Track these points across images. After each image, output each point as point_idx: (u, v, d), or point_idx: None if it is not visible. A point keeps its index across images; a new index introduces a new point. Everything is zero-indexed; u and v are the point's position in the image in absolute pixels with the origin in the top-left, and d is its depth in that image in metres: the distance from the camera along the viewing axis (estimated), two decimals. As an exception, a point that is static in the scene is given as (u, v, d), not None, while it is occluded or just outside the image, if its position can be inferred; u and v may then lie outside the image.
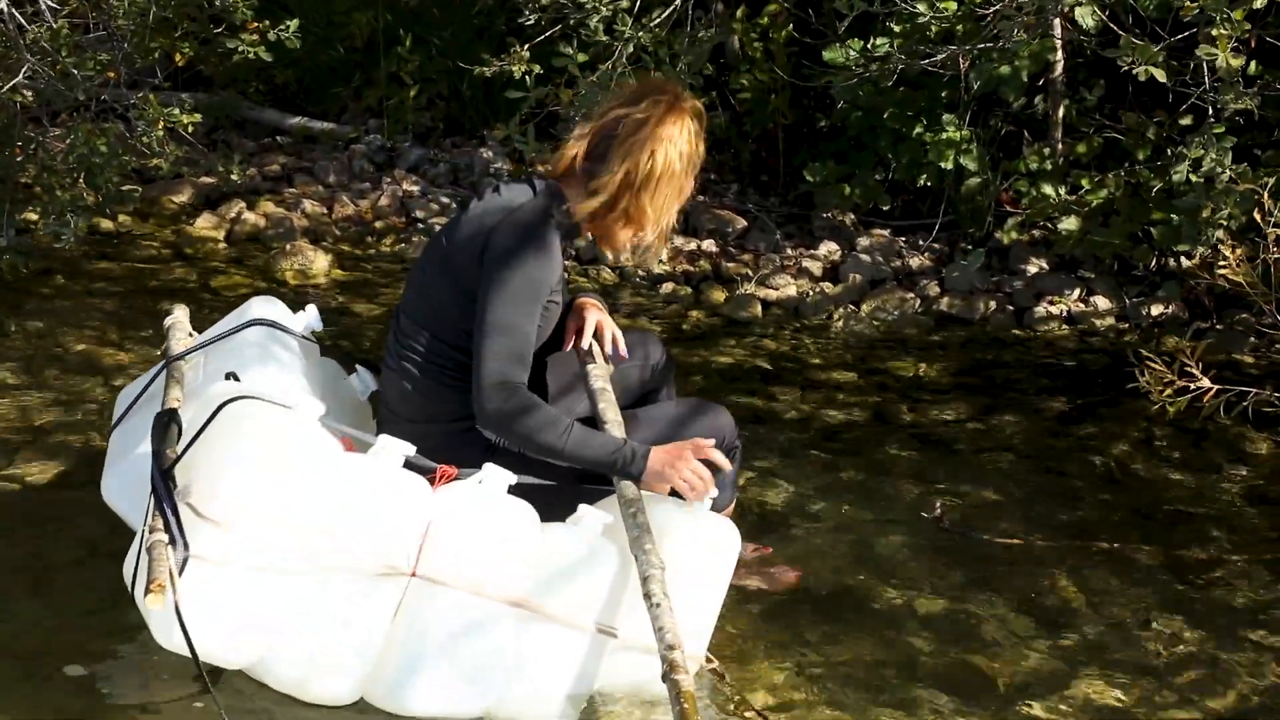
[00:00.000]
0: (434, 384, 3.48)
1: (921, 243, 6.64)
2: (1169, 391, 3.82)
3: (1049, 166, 6.23)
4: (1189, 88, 5.07)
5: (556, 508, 3.36)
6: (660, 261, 6.58)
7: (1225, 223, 4.79)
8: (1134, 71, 4.50)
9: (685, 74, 5.52)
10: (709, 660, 3.41)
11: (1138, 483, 4.76)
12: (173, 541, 2.95)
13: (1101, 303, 6.16)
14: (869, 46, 6.03)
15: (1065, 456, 4.94)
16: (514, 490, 3.24)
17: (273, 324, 3.70)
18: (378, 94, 7.95)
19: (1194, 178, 4.99)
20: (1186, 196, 5.04)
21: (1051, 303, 6.19)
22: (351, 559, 3.08)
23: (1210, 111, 5.04)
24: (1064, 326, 6.11)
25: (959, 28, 5.76)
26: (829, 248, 6.67)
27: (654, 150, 3.39)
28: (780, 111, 7.12)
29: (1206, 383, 3.84)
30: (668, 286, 6.42)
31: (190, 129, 6.16)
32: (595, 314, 3.80)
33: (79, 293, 6.04)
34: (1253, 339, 5.78)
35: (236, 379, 3.36)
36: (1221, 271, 3.81)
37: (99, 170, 5.95)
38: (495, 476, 3.22)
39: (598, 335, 3.76)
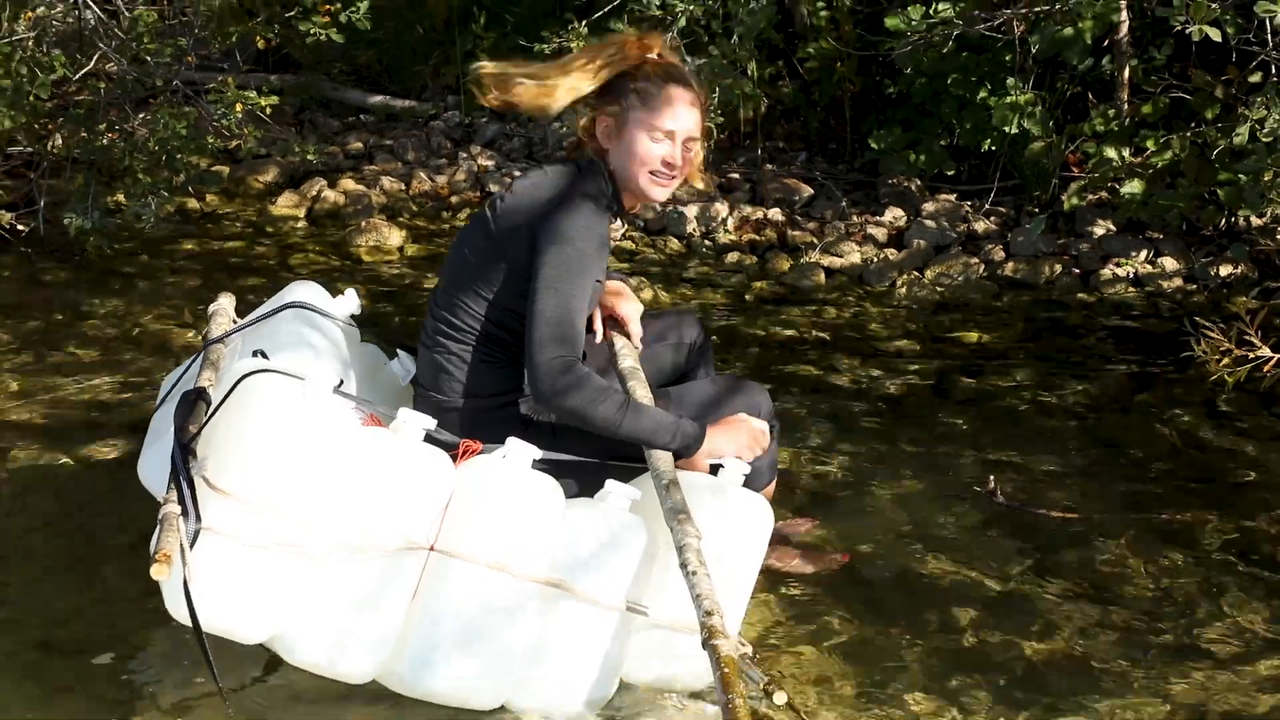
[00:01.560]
0: (474, 361, 3.27)
1: (987, 207, 6.31)
2: (1227, 361, 3.49)
3: (1115, 128, 5.86)
4: (1255, 46, 4.70)
5: (583, 483, 3.16)
6: (726, 231, 6.31)
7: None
8: (1188, 31, 4.14)
9: (738, 46, 5.24)
10: (742, 643, 3.16)
11: (1202, 451, 4.41)
12: (185, 513, 2.77)
13: (1169, 264, 5.80)
14: (930, 12, 5.71)
15: (1128, 424, 4.61)
16: (539, 465, 3.02)
17: (310, 308, 3.50)
18: (455, 71, 7.76)
19: (1260, 138, 4.62)
20: (1249, 159, 4.67)
21: (1118, 265, 5.84)
22: (368, 532, 2.86)
23: (1274, 70, 4.68)
24: (1130, 289, 5.76)
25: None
26: (894, 214, 6.36)
27: (596, 57, 3.24)
28: (847, 80, 6.83)
29: (1267, 351, 3.51)
30: (733, 256, 6.15)
31: (268, 111, 6.00)
32: (617, 299, 3.58)
33: (161, 272, 5.90)
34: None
35: (265, 356, 3.17)
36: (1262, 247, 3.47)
37: (178, 153, 5.82)
38: (519, 451, 2.99)
39: (617, 323, 3.54)
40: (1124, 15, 5.69)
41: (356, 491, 2.86)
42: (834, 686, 3.23)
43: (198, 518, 2.77)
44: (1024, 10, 5.16)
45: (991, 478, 4.08)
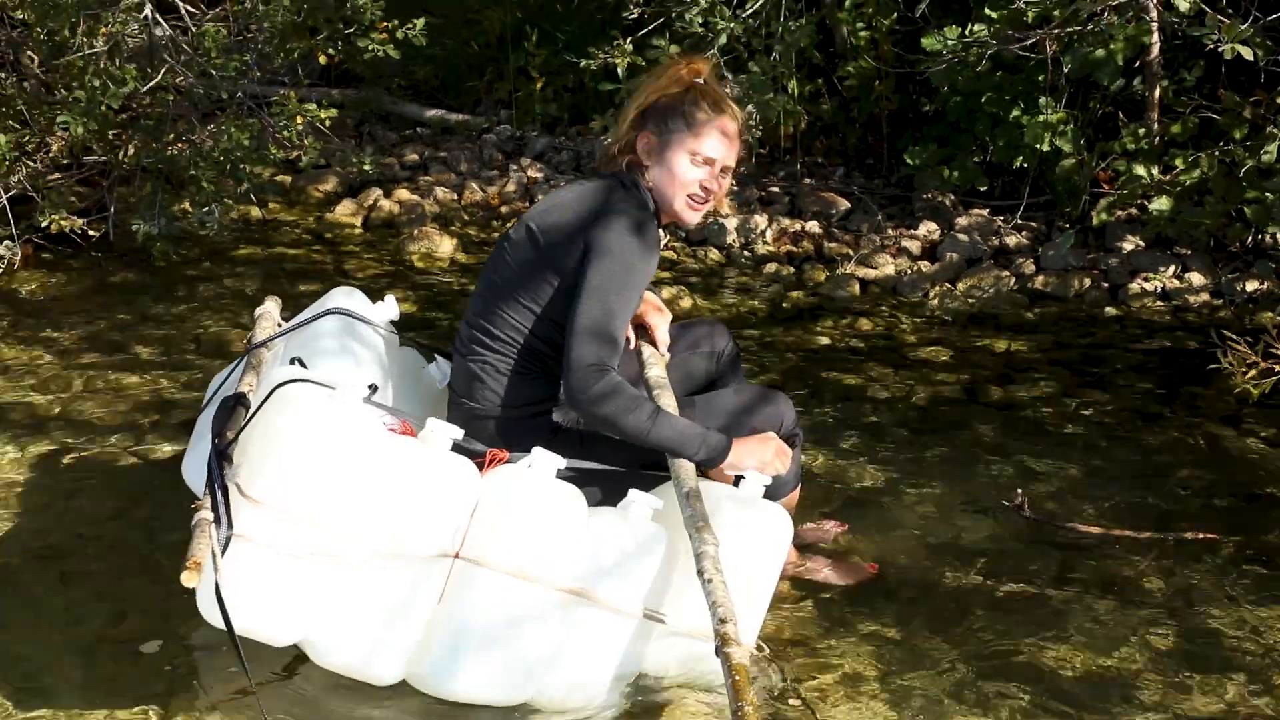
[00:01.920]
0: (510, 372, 3.17)
1: (1019, 222, 6.16)
2: (1253, 374, 3.35)
3: (1145, 147, 5.70)
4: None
5: (608, 492, 3.07)
6: (764, 242, 6.19)
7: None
8: (1220, 50, 4.00)
9: (777, 63, 5.12)
10: (759, 649, 3.05)
11: (1228, 465, 4.25)
12: (217, 520, 2.70)
13: (1196, 279, 5.63)
14: (965, 33, 5.58)
15: (1155, 437, 4.45)
16: (563, 475, 2.92)
17: (350, 314, 3.41)
18: (507, 87, 7.69)
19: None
20: (1276, 178, 4.51)
21: (1146, 279, 5.68)
22: (395, 539, 2.78)
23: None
24: (1158, 303, 5.60)
25: (1056, 12, 5.29)
26: (928, 227, 6.22)
27: (647, 93, 3.20)
28: (885, 98, 6.69)
29: (1293, 367, 3.36)
30: (771, 266, 6.03)
31: (327, 123, 5.93)
32: (646, 309, 3.49)
33: (222, 276, 5.84)
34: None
35: (303, 364, 3.09)
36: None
37: (241, 163, 5.76)
38: (544, 461, 2.90)
39: (645, 331, 3.46)
40: (1155, 37, 5.53)
41: (384, 500, 2.78)
42: (858, 694, 3.11)
43: (229, 524, 2.69)
44: (1056, 31, 5.01)
45: (1019, 491, 3.94)
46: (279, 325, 3.53)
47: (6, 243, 5.18)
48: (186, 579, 2.59)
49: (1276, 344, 3.33)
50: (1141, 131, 5.70)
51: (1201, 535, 3.78)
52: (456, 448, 2.90)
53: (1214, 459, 4.29)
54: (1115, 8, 4.70)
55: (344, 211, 6.69)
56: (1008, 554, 3.71)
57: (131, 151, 6.09)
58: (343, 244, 6.34)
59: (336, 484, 2.74)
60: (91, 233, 5.81)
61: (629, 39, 5.33)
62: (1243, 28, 4.05)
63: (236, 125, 5.79)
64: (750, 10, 5.13)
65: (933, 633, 3.35)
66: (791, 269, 6.03)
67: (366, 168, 6.12)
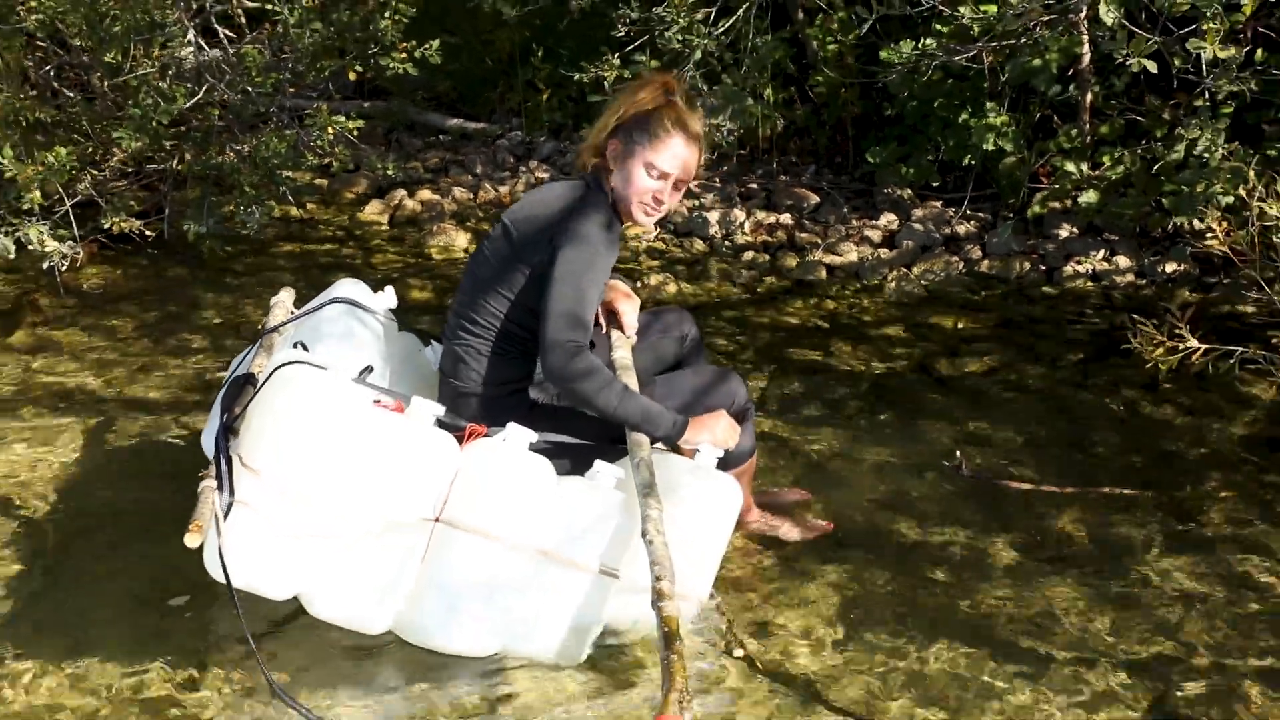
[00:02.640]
0: (490, 353, 3.18)
1: (969, 213, 6.14)
2: (1160, 351, 3.34)
3: (1077, 145, 5.68)
4: (1192, 75, 4.52)
5: (576, 464, 3.08)
6: (743, 233, 6.18)
7: (1220, 195, 4.22)
8: (1128, 64, 3.97)
9: (748, 74, 5.10)
10: (711, 598, 3.06)
11: (1146, 429, 4.25)
12: (221, 488, 2.72)
13: (1122, 262, 5.61)
14: (918, 46, 5.54)
15: (1082, 403, 4.45)
16: (535, 448, 2.94)
17: (352, 302, 3.43)
18: (518, 98, 7.66)
19: (1194, 156, 4.42)
20: (1184, 174, 4.48)
21: (1078, 263, 5.65)
22: (380, 505, 2.80)
23: (1207, 96, 4.48)
24: (1089, 283, 5.58)
25: (998, 26, 5.25)
26: (888, 218, 6.20)
27: (624, 105, 3.16)
28: (850, 103, 6.66)
29: (1194, 343, 3.36)
30: (748, 254, 6.02)
31: (355, 133, 5.92)
32: (616, 295, 3.50)
33: (263, 270, 5.84)
34: (1254, 292, 5.14)
35: (305, 348, 3.10)
36: (1209, 241, 3.31)
37: (279, 169, 5.77)
38: (517, 435, 2.91)
39: (616, 318, 3.45)
40: (1086, 49, 5.50)
41: (370, 469, 2.78)
42: (806, 636, 3.13)
43: (231, 491, 2.70)
44: (994, 45, 4.98)
45: (959, 453, 3.95)
46: (291, 313, 3.54)
47: (69, 243, 5.18)
48: (189, 540, 2.63)
49: (1180, 324, 3.31)
50: (1074, 132, 5.67)
51: (1120, 491, 3.79)
52: (440, 423, 2.91)
53: (1133, 423, 4.29)
54: (1047, 23, 4.66)
55: (372, 210, 6.68)
56: (948, 510, 3.73)
57: (184, 160, 6.10)
58: (370, 239, 6.34)
59: (326, 455, 2.76)
60: (149, 233, 5.81)
61: (616, 55, 5.30)
62: (1150, 41, 4.02)
63: (275, 136, 5.80)
64: (723, 29, 5.09)
65: (878, 584, 3.36)
66: (767, 257, 6.02)
67: (390, 171, 6.12)
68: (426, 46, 5.81)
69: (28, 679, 2.90)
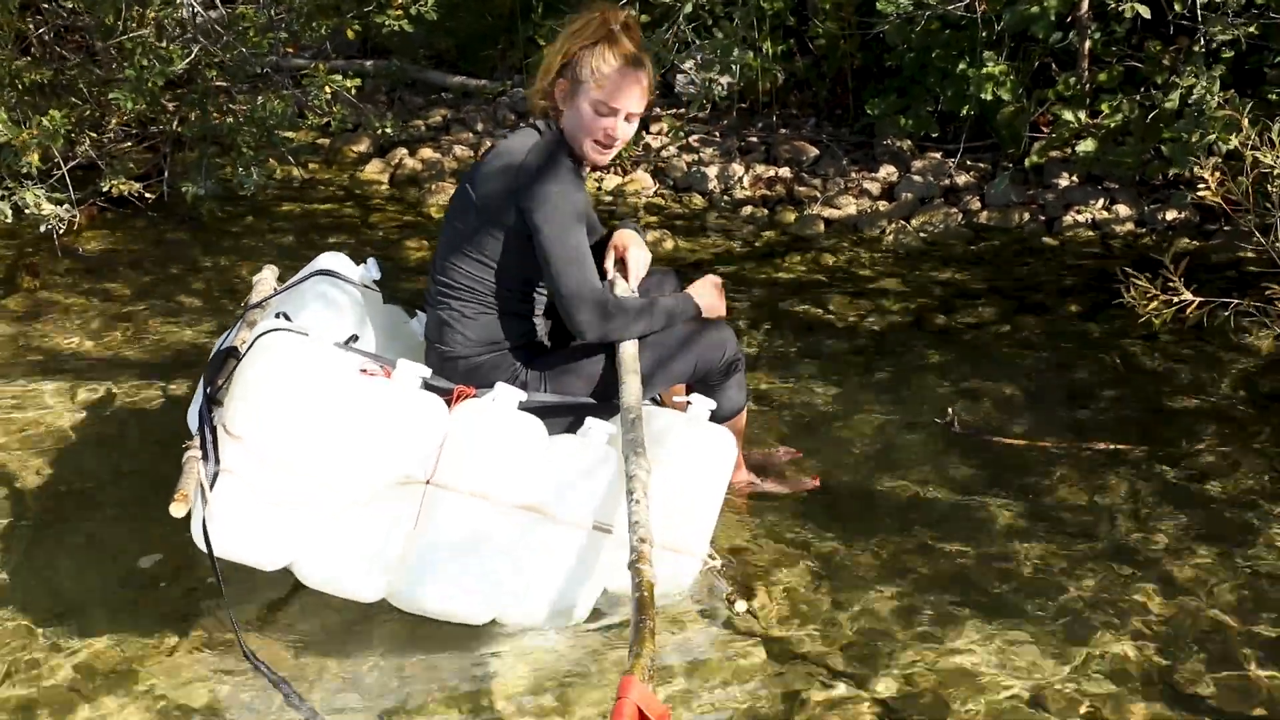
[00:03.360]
0: (471, 315, 3.06)
1: (968, 164, 5.97)
2: (1153, 305, 3.20)
3: (1076, 93, 5.50)
4: (1187, 21, 4.33)
5: (568, 422, 2.98)
6: (742, 188, 6.03)
7: (1219, 144, 4.04)
8: (1120, 9, 3.80)
9: (738, 28, 4.93)
10: (712, 557, 2.96)
11: (1141, 379, 4.11)
12: (205, 457, 2.62)
13: (1123, 210, 5.44)
14: (915, -5, 5.37)
15: (1078, 356, 4.31)
16: (525, 407, 2.83)
17: (335, 274, 3.32)
18: (519, 55, 7.48)
19: (1189, 105, 4.24)
20: (1179, 123, 4.31)
21: (1078, 212, 5.49)
22: (367, 469, 2.69)
23: (1204, 41, 4.30)
24: (1089, 232, 5.42)
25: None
26: (888, 170, 6.04)
27: (561, 39, 3.03)
28: (850, 55, 6.48)
29: (1189, 296, 3.21)
30: (747, 209, 5.88)
31: (354, 92, 5.78)
32: (628, 245, 3.32)
33: (263, 231, 5.73)
34: (1253, 241, 4.97)
35: (288, 319, 3.00)
36: (1202, 192, 3.16)
37: (276, 130, 5.63)
38: (506, 395, 2.81)
39: (622, 263, 3.28)
40: (1085, -6, 5.32)
41: (357, 433, 2.68)
42: (799, 596, 3.03)
43: (216, 460, 2.61)
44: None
45: (950, 409, 3.83)
46: (275, 289, 3.43)
47: (66, 207, 5.07)
48: (174, 509, 2.53)
49: (1174, 277, 3.17)
50: (1073, 80, 5.49)
51: (1113, 446, 3.67)
52: (428, 386, 2.81)
53: (1130, 376, 4.15)
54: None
55: (372, 170, 6.55)
56: (940, 467, 3.61)
57: (184, 122, 5.97)
58: (371, 199, 6.21)
59: (309, 419, 2.66)
60: (149, 195, 5.70)
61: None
62: None
63: (274, 96, 5.67)
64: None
65: (867, 538, 3.26)
66: (765, 211, 5.87)
67: (388, 130, 5.98)
68: (422, 2, 5.67)
69: (7, 649, 2.82)
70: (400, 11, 5.82)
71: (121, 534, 3.25)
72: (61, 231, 5.15)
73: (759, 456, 3.58)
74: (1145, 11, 3.95)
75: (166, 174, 5.89)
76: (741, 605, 2.84)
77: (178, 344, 4.47)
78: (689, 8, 4.73)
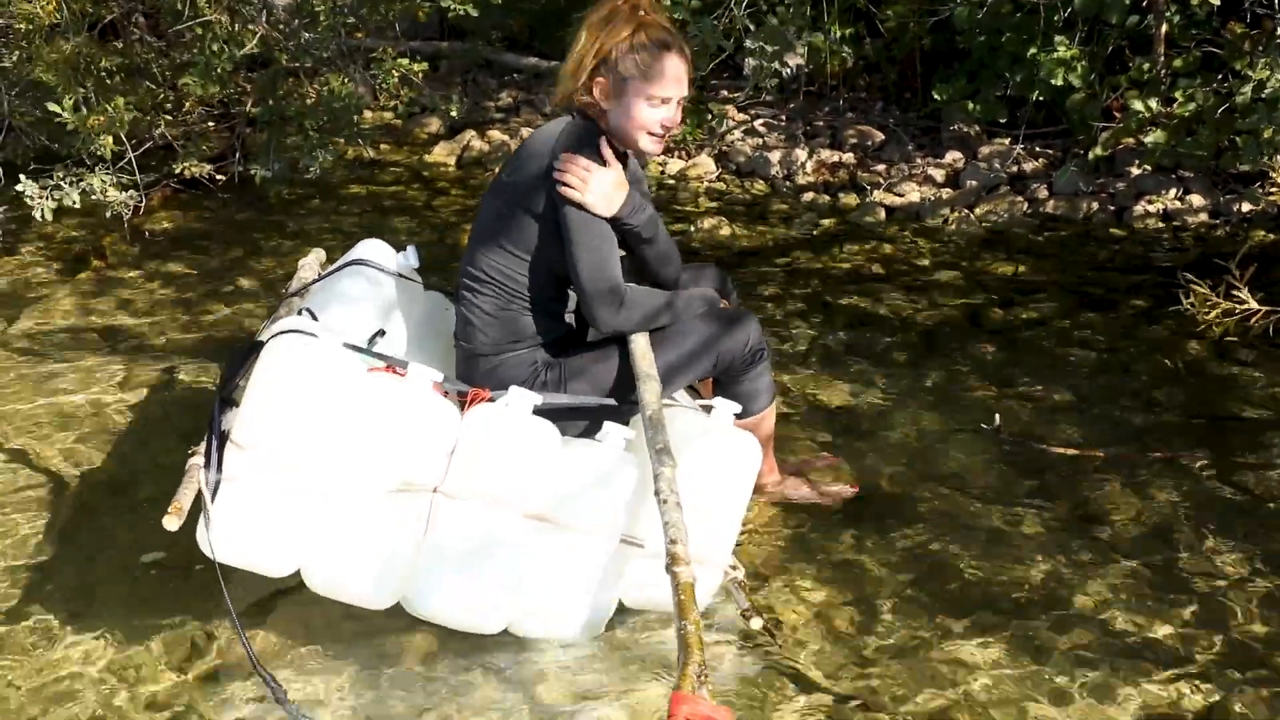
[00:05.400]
0: (495, 310, 2.85)
1: (1037, 150, 5.61)
2: (1214, 314, 2.88)
3: (1150, 79, 5.10)
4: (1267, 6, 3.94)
5: (584, 425, 2.78)
6: (804, 173, 5.74)
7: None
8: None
9: (794, 15, 4.64)
10: (734, 567, 2.73)
11: (1206, 385, 3.78)
12: (208, 464, 2.47)
13: (1196, 200, 5.07)
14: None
15: (1141, 357, 3.98)
16: (540, 410, 2.62)
17: (371, 264, 3.13)
18: (590, 35, 7.23)
19: (1261, 99, 3.85)
20: (1249, 118, 3.92)
21: (1150, 202, 5.13)
22: (377, 475, 2.52)
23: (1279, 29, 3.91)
24: (1160, 223, 5.05)
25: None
26: (954, 156, 5.71)
27: (588, 35, 2.79)
28: (920, 37, 6.13)
29: (1253, 304, 2.89)
30: (809, 195, 5.60)
31: (420, 76, 5.59)
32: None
33: (328, 213, 5.59)
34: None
35: (314, 315, 2.83)
36: (1273, 194, 2.82)
37: (343, 113, 5.47)
38: (520, 398, 2.61)
39: None
40: (1162, -25, 4.92)
41: (364, 439, 2.51)
42: (823, 615, 2.79)
43: (219, 468, 2.44)
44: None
45: (998, 415, 3.53)
46: (319, 275, 3.26)
47: (131, 192, 4.96)
48: (167, 522, 2.40)
49: (1239, 284, 2.85)
50: (1146, 65, 5.10)
51: (1170, 455, 3.35)
52: (442, 389, 2.63)
53: (1192, 381, 3.82)
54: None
55: (440, 152, 6.38)
56: (985, 478, 3.33)
57: (255, 104, 5.84)
58: (436, 181, 6.04)
59: (314, 426, 2.50)
60: (219, 176, 5.58)
61: (666, -6, 4.90)
62: None
63: (341, 79, 5.50)
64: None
65: (901, 553, 3.00)
66: (827, 197, 5.59)
67: (454, 113, 5.79)
68: (485, -16, 5.46)
69: (30, 640, 2.70)
70: (465, -6, 5.61)
71: (143, 530, 3.10)
72: (128, 215, 5.04)
73: (794, 463, 3.33)
74: (1213, -1, 3.60)
75: (238, 155, 5.77)
76: (758, 621, 2.61)
77: (232, 329, 4.34)
78: (743, -8, 4.44)
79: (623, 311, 2.77)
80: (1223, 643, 2.65)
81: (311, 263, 3.38)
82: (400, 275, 3.18)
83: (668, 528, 2.35)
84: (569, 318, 2.97)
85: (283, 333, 2.60)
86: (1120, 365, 3.94)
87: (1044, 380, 3.84)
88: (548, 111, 6.81)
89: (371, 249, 3.21)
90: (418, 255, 3.23)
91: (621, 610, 2.70)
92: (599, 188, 2.72)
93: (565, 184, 2.71)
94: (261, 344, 2.75)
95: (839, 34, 6.00)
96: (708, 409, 2.78)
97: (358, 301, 3.01)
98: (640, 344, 2.81)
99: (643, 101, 2.77)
